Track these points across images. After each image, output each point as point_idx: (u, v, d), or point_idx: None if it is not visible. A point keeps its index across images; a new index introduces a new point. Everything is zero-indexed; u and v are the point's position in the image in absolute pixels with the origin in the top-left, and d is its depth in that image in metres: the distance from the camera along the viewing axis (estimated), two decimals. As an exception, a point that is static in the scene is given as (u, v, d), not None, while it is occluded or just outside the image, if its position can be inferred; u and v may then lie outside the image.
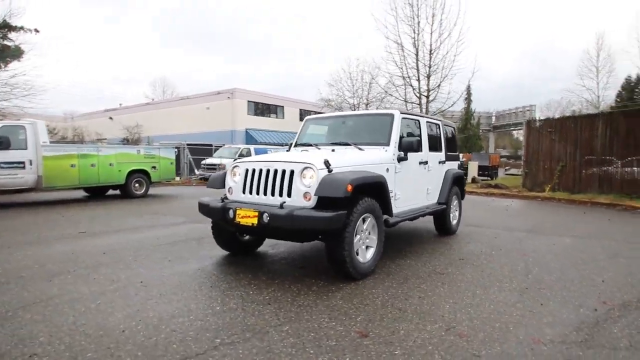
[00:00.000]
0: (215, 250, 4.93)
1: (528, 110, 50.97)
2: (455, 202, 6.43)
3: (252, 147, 19.57)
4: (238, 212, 3.88)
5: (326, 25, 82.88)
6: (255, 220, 3.74)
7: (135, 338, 2.56)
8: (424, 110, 19.61)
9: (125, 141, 26.79)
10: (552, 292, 3.63)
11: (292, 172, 3.87)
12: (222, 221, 4.15)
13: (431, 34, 18.93)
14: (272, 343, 2.54)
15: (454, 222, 6.38)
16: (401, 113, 4.99)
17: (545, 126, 14.19)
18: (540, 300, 3.41)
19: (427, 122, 5.69)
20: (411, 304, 3.28)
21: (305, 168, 3.81)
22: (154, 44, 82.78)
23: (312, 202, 3.70)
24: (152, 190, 12.30)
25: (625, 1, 54.96)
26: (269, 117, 32.00)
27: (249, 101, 30.26)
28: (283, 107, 32.79)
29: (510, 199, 12.57)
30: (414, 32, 19.00)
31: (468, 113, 46.19)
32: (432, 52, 19.11)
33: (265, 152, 19.48)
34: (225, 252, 4.85)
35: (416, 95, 19.59)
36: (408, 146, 4.74)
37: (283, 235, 4.07)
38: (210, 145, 21.79)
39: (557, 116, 21.19)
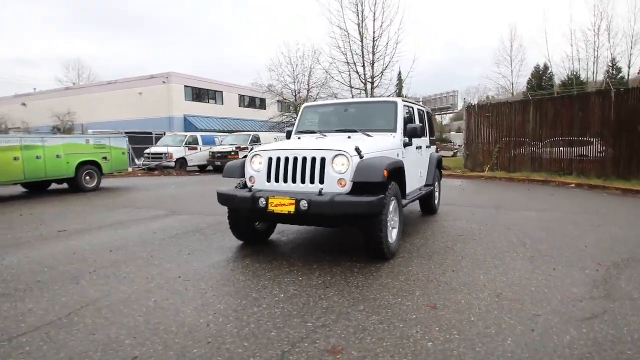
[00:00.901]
0: (226, 241, 4.88)
1: (452, 95, 54.47)
2: (436, 184, 6.93)
3: (198, 135, 18.84)
4: (271, 200, 3.89)
5: (265, 8, 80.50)
6: (292, 208, 3.79)
7: (227, 330, 2.56)
8: (369, 96, 20.27)
9: (56, 130, 24.17)
10: (554, 259, 4.18)
11: (323, 160, 3.96)
12: (251, 211, 4.11)
13: (374, 21, 19.51)
14: (361, 322, 2.69)
15: (436, 202, 6.89)
16: (403, 101, 5.27)
17: (483, 111, 15.51)
18: (551, 265, 3.93)
19: (418, 109, 6.04)
20: (451, 277, 3.60)
21: (338, 155, 3.92)
22: (65, 22, 74.48)
23: (348, 188, 3.84)
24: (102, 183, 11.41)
25: (532, -3, 60.58)
26: (208, 103, 30.81)
27: (186, 86, 28.83)
28: (222, 92, 31.73)
29: (458, 179, 13.64)
30: (359, 19, 19.46)
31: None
32: (375, 39, 19.74)
33: (213, 140, 18.89)
34: (239, 243, 4.82)
35: (362, 82, 20.16)
36: (412, 132, 5.04)
37: (319, 221, 4.16)
38: (150, 133, 20.54)
39: (483, 102, 23.14)
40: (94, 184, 10.58)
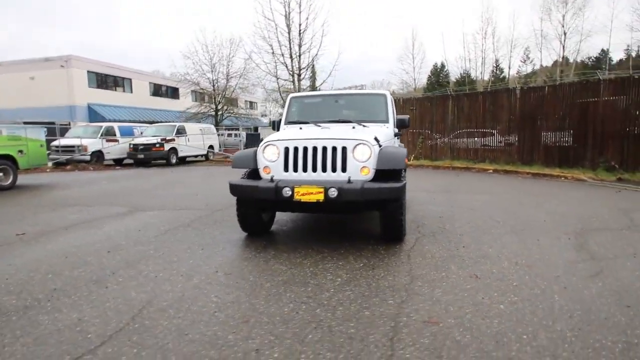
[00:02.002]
0: (228, 234, 4.78)
1: (359, 88, 57.47)
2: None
3: (115, 125, 17.22)
4: (297, 189, 3.92)
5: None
6: (320, 197, 3.87)
7: (323, 315, 2.62)
8: (297, 88, 20.48)
9: None
10: (530, 231, 4.91)
11: (344, 149, 4.10)
12: (273, 201, 4.07)
13: (300, 13, 19.69)
14: (431, 295, 2.95)
15: (402, 188, 7.43)
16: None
17: (408, 105, 16.77)
18: (532, 237, 4.62)
19: (391, 100, 6.44)
20: (465, 252, 4.05)
21: (359, 144, 4.09)
22: None
23: (371, 175, 4.05)
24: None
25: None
26: (115, 90, 27.99)
27: (89, 72, 25.81)
28: (131, 80, 29.06)
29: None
30: (285, 10, 19.46)
31: (313, 91, 49.26)
32: (301, 31, 19.95)
33: (131, 131, 17.44)
34: (242, 235, 4.73)
35: (289, 73, 20.25)
36: (401, 123, 5.41)
37: (345, 208, 4.29)
38: (53, 123, 18.11)
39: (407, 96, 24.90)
40: (10, 181, 9.14)
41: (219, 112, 27.20)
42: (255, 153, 4.37)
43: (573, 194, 8.04)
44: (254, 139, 20.55)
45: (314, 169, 4.13)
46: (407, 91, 54.18)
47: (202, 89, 27.10)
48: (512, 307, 2.74)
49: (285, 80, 20.50)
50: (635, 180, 9.79)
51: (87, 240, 4.58)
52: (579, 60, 41.61)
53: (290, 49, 19.63)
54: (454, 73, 47.76)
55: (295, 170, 4.18)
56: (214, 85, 26.65)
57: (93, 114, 24.78)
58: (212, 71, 26.57)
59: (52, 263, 3.75)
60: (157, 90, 31.45)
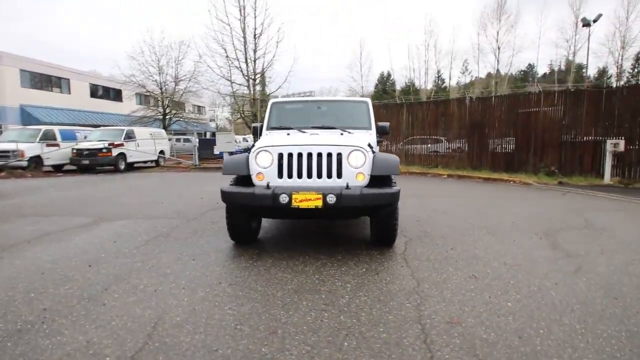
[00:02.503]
0: (214, 243, 4.64)
1: (309, 95, 58.04)
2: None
3: (56, 129, 15.96)
4: (295, 196, 3.89)
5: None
6: (319, 203, 3.87)
7: (349, 322, 2.62)
8: (252, 93, 20.26)
9: None
10: (504, 232, 5.24)
11: (339, 155, 4.13)
12: (269, 208, 4.00)
13: (255, 17, 19.54)
14: (443, 297, 3.06)
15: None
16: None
17: (364, 112, 17.18)
18: (507, 238, 4.94)
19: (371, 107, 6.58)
20: (455, 254, 4.23)
21: (354, 150, 4.15)
22: None
23: (366, 181, 4.12)
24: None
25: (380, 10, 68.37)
26: (51, 91, 25.84)
27: (22, 70, 23.60)
28: (69, 80, 26.98)
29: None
30: (241, 15, 19.21)
31: (263, 96, 48.92)
32: (256, 36, 19.79)
33: (74, 135, 16.28)
34: (229, 243, 4.59)
35: (245, 78, 19.99)
36: (382, 130, 5.55)
37: (343, 214, 4.30)
38: (-20, 125, 16.37)
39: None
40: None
41: (167, 116, 26.11)
42: (247, 159, 4.27)
43: (527, 196, 8.69)
44: (207, 145, 19.95)
45: (309, 175, 4.12)
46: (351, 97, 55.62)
47: (149, 91, 25.87)
48: (519, 305, 2.92)
49: (239, 84, 20.19)
50: (573, 183, 10.78)
51: (60, 254, 4.20)
52: (512, 72, 45.06)
53: (246, 53, 19.40)
54: (400, 82, 49.88)
55: (290, 176, 4.14)
56: (161, 88, 25.55)
57: (26, 116, 22.69)
58: (159, 73, 25.48)
59: (30, 281, 3.40)
60: (98, 92, 29.48)
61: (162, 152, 18.59)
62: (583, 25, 23.09)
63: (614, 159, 10.73)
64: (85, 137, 16.42)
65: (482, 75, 46.58)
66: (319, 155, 4.13)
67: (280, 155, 4.17)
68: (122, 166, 15.81)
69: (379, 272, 3.61)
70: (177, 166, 17.78)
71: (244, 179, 4.29)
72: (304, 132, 5.16)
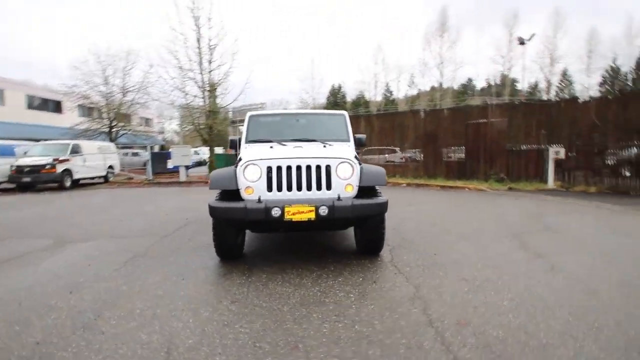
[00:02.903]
0: (198, 260, 4.51)
1: (260, 107, 57.88)
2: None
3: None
4: (288, 209, 3.89)
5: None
6: (312, 215, 3.90)
7: (364, 332, 2.67)
8: (207, 104, 19.89)
9: None
10: (477, 237, 5.55)
11: (328, 167, 4.20)
12: (262, 222, 3.96)
13: (210, 29, 19.25)
14: (445, 302, 3.20)
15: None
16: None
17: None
18: (481, 242, 5.24)
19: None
20: (440, 259, 4.42)
21: (342, 162, 4.24)
22: None
23: (354, 192, 4.22)
24: None
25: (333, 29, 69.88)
26: (-20, 103, 23.62)
27: (-55, 79, 21.36)
28: (3, 90, 24.81)
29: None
30: (196, 26, 18.85)
31: (213, 107, 47.99)
32: (212, 47, 19.49)
33: (11, 150, 15.05)
34: (213, 261, 4.48)
35: (200, 89, 19.53)
36: (359, 142, 5.70)
37: (334, 225, 4.34)
38: None
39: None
40: None
41: (114, 129, 24.81)
42: (234, 173, 4.22)
43: (484, 202, 9.24)
44: (160, 158, 19.19)
45: (299, 188, 4.15)
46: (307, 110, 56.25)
47: (93, 102, 24.47)
48: (514, 303, 3.12)
49: (194, 96, 19.68)
50: (521, 189, 11.61)
51: (32, 280, 3.87)
52: (454, 86, 47.80)
53: (201, 64, 18.99)
54: (351, 94, 51.12)
55: (280, 189, 4.14)
56: (107, 100, 24.28)
57: (-50, 131, 20.53)
58: (105, 84, 24.20)
59: (8, 312, 3.11)
60: (35, 103, 27.35)
61: (111, 167, 17.61)
62: (519, 44, 25.18)
63: (555, 166, 11.71)
64: (25, 153, 15.17)
65: (428, 88, 48.97)
66: (308, 167, 4.18)
67: (269, 169, 4.17)
68: (68, 183, 14.78)
69: (376, 281, 3.70)
70: (129, 182, 16.91)
71: (230, 193, 4.23)
72: (284, 144, 5.17)
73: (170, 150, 19.46)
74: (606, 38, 54.32)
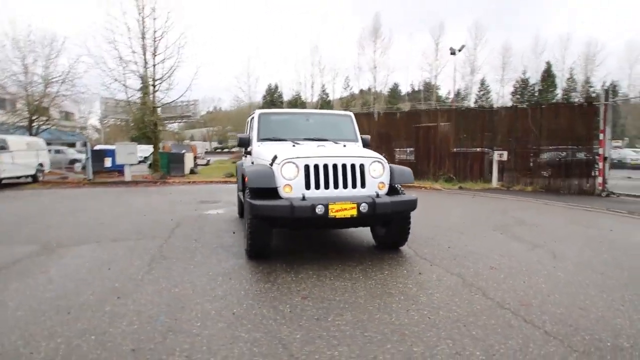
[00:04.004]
0: (226, 261, 4.39)
1: (192, 104, 55.61)
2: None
3: None
4: (332, 206, 4.01)
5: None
6: (354, 212, 4.07)
7: (428, 319, 2.92)
8: (152, 100, 18.80)
9: None
10: (469, 230, 6.09)
11: (362, 166, 4.39)
12: (306, 219, 4.00)
13: (154, 20, 18.22)
14: (492, 286, 3.57)
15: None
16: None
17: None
18: (479, 235, 5.78)
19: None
20: (455, 251, 4.83)
21: (375, 162, 4.47)
22: None
23: (386, 190, 4.46)
24: None
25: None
26: None
27: None
28: None
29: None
30: (140, 15, 17.69)
31: (146, 104, 45.19)
32: (156, 40, 18.46)
33: None
34: (238, 260, 4.44)
35: (143, 84, 18.36)
36: (365, 142, 5.95)
37: (371, 221, 4.49)
38: None
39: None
40: None
41: (34, 124, 22.25)
42: (272, 171, 4.22)
43: (446, 200, 10.03)
44: (98, 156, 17.66)
45: (336, 186, 4.28)
46: (237, 108, 55.25)
47: (11, 93, 21.74)
48: (550, 285, 3.59)
49: (136, 90, 18.42)
50: (469, 188, 12.72)
51: (58, 288, 3.52)
52: (387, 91, 50.16)
53: (145, 56, 17.83)
54: (287, 94, 51.23)
55: (318, 187, 4.24)
56: (27, 90, 21.69)
57: None
58: (25, 73, 21.59)
59: (59, 322, 2.84)
60: None
61: (41, 165, 15.85)
62: (451, 54, 27.32)
63: (499, 167, 13.01)
64: None
65: (365, 89, 50.81)
66: (344, 166, 4.32)
67: (307, 167, 4.24)
68: (-7, 183, 13.05)
69: (421, 272, 3.97)
70: (64, 182, 15.34)
71: (264, 192, 4.22)
72: (299, 143, 5.24)
73: (113, 147, 18.06)
74: (517, 52, 60.95)
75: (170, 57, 18.54)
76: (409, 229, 4.70)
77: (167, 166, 19.00)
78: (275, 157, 4.31)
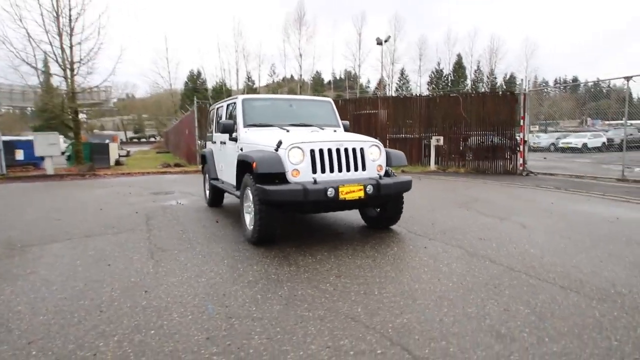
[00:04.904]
0: (233, 247, 4.34)
1: (104, 91, 51.02)
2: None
3: None
4: (341, 189, 4.15)
5: None
6: (362, 193, 4.26)
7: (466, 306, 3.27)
8: (69, 85, 16.98)
9: None
10: (440, 208, 6.62)
11: (362, 150, 4.59)
12: (318, 201, 4.07)
13: (69, -1, 16.35)
14: (496, 255, 4.02)
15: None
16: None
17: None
18: (450, 212, 6.32)
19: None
20: (441, 224, 5.27)
21: (372, 145, 4.68)
22: None
23: (383, 172, 4.70)
24: None
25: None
26: None
27: None
28: None
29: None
30: (50, -12, 15.70)
31: (56, 90, 40.35)
32: (72, 19, 16.61)
33: None
34: (246, 248, 4.41)
35: (60, 67, 16.44)
36: (346, 128, 6.11)
37: (374, 202, 4.66)
38: None
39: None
40: None
41: None
42: (279, 156, 4.22)
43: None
44: (8, 149, 15.48)
45: (340, 169, 4.42)
46: (155, 95, 51.92)
47: None
48: (538, 248, 4.13)
49: (54, 74, 16.44)
50: (409, 171, 13.57)
51: (64, 290, 3.21)
52: (306, 79, 50.61)
53: (61, 39, 15.89)
54: (211, 81, 49.23)
55: (323, 171, 4.34)
56: None
57: None
58: None
59: (102, 332, 2.64)
60: None
61: None
62: (377, 44, 28.43)
63: (436, 151, 14.07)
64: None
65: (289, 77, 50.72)
66: (346, 150, 4.47)
67: (312, 152, 4.31)
68: None
69: (426, 246, 4.30)
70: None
71: (268, 178, 4.23)
72: (286, 129, 5.25)
73: (25, 138, 16.00)
74: (432, 44, 65.30)
75: (88, 38, 16.84)
76: (402, 207, 5.01)
77: (89, 158, 17.41)
78: (280, 142, 4.30)
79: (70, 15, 16.37)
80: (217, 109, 6.85)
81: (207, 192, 7.29)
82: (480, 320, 2.57)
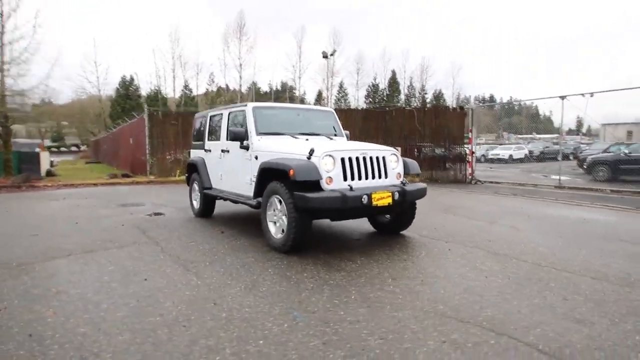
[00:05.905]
0: (264, 257, 4.30)
1: (18, 95, 46.22)
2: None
3: None
4: (374, 195, 4.33)
5: None
6: (390, 200, 4.47)
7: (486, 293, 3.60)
8: (1, 89, 15.28)
9: None
10: (430, 212, 7.03)
11: (383, 158, 4.80)
12: (354, 208, 4.19)
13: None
14: (510, 252, 4.42)
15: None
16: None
17: (169, 118, 16.10)
18: (435, 216, 6.76)
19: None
20: (439, 229, 5.64)
21: (392, 154, 4.92)
22: None
23: (401, 179, 4.95)
24: None
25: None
26: None
27: None
28: None
29: (160, 185, 13.73)
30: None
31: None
32: (3, 15, 15.02)
33: None
34: (281, 254, 4.38)
35: (-13, 66, 14.68)
36: (347, 138, 6.29)
37: (399, 208, 4.81)
38: None
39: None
40: None
41: None
42: (314, 164, 4.27)
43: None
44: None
45: (366, 177, 4.59)
46: (78, 101, 48.06)
47: None
48: (543, 246, 4.61)
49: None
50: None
51: (124, 308, 2.97)
52: (245, 89, 50.16)
53: (-11, 34, 14.18)
54: (145, 88, 46.68)
55: (353, 178, 4.48)
56: None
57: None
58: None
59: (207, 346, 2.51)
60: None
61: None
62: (323, 57, 29.12)
63: (394, 161, 14.75)
64: None
65: (229, 87, 49.73)
66: (371, 159, 4.66)
67: (343, 160, 4.44)
68: None
69: (450, 249, 4.58)
70: None
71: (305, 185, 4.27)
72: (297, 137, 5.33)
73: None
74: (369, 59, 68.22)
75: (21, 38, 15.32)
76: (415, 212, 5.28)
77: (17, 168, 15.74)
78: (312, 150, 4.35)
79: (2, 13, 14.80)
80: (211, 117, 6.65)
81: (195, 202, 6.99)
82: (551, 309, 2.86)
